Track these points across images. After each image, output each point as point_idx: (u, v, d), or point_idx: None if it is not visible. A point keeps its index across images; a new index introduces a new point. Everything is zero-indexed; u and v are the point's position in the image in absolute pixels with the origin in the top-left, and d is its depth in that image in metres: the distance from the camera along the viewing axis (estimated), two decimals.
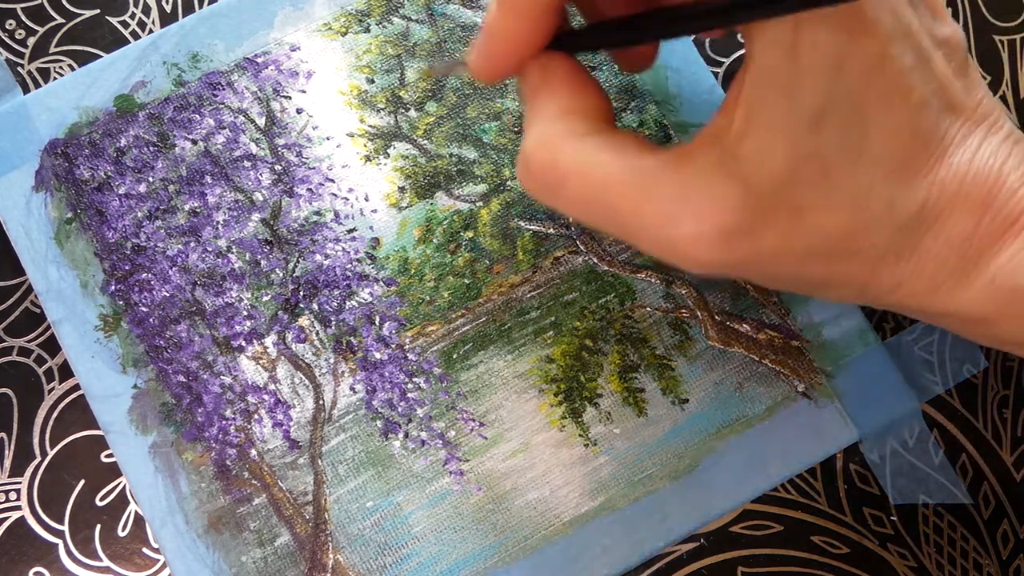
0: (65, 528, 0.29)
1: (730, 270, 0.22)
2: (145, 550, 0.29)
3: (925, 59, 0.20)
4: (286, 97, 0.31)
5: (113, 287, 0.30)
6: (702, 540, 0.30)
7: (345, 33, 0.32)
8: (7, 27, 0.32)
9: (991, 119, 0.21)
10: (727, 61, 0.33)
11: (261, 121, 0.31)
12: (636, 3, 0.24)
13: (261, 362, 0.29)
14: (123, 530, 0.29)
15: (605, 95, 0.23)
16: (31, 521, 0.29)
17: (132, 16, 0.33)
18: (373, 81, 0.31)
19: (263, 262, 0.30)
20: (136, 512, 0.29)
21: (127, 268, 0.30)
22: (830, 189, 0.20)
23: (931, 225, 0.21)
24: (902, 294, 0.22)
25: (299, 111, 0.31)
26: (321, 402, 0.29)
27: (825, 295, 0.23)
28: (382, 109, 0.31)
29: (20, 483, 0.29)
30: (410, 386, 0.29)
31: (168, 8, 0.33)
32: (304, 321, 0.30)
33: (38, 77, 0.32)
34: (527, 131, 0.23)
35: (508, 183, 0.31)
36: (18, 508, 0.29)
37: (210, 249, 0.30)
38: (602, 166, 0.21)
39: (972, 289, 0.21)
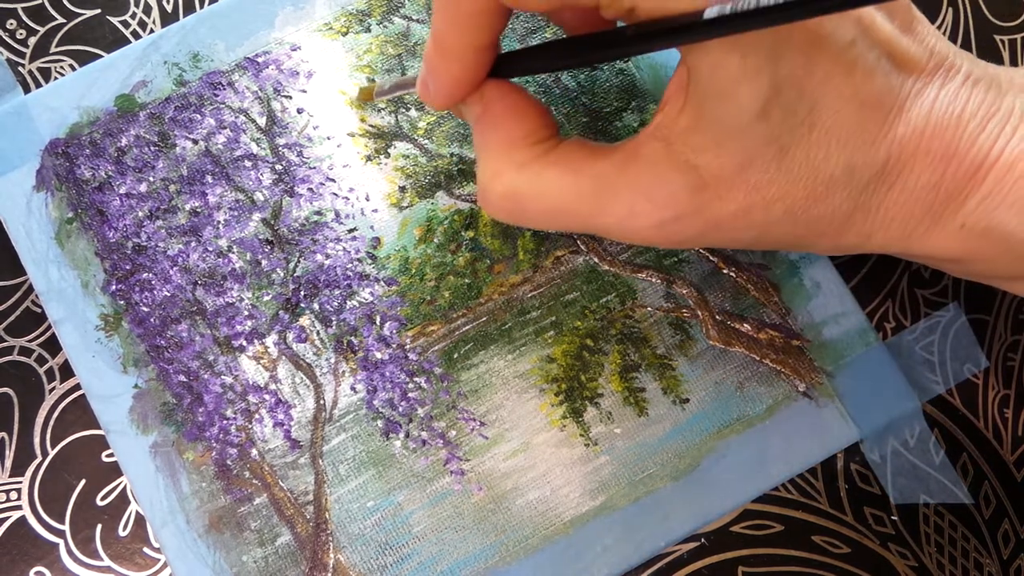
0: (66, 528, 0.29)
1: (699, 243, 0.23)
2: (146, 550, 0.29)
3: (865, 26, 0.20)
4: (287, 97, 0.31)
5: (114, 287, 0.30)
6: (703, 540, 0.30)
7: (346, 33, 0.32)
8: (8, 27, 0.32)
9: (946, 66, 0.21)
10: None
11: (262, 121, 0.31)
12: (597, 24, 0.25)
13: (262, 362, 0.29)
14: (124, 530, 0.29)
15: (545, 110, 0.24)
16: (32, 521, 0.29)
17: (133, 16, 0.33)
18: (374, 81, 0.31)
19: (264, 262, 0.30)
20: (137, 512, 0.29)
21: (128, 268, 0.30)
22: (786, 165, 0.21)
23: (894, 181, 0.21)
24: (875, 243, 0.23)
25: (300, 111, 0.31)
26: (322, 402, 0.29)
27: (800, 250, 0.24)
28: (383, 109, 0.31)
29: (21, 483, 0.29)
30: (411, 386, 0.29)
31: (169, 8, 0.33)
32: (305, 321, 0.30)
33: (39, 77, 0.32)
34: (479, 162, 0.24)
35: None
36: (19, 508, 0.29)
37: (211, 249, 0.30)
38: (557, 184, 0.23)
39: (943, 234, 0.22)
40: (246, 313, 0.30)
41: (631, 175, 0.22)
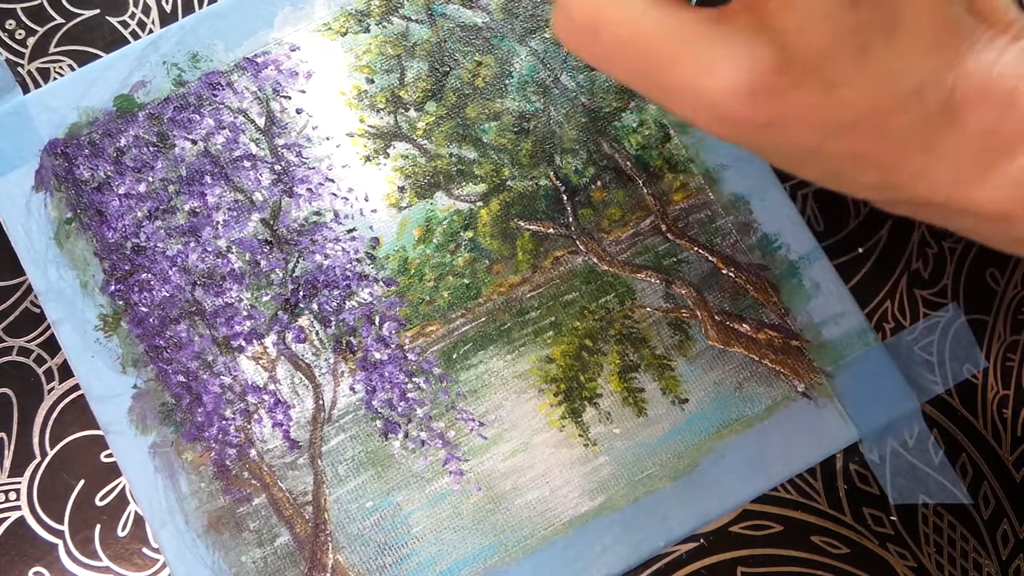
0: (65, 528, 0.29)
1: (754, 133, 0.22)
2: (145, 550, 0.29)
3: None
4: (286, 97, 0.31)
5: (113, 287, 0.30)
6: (702, 540, 0.30)
7: (345, 33, 0.32)
8: (7, 27, 0.32)
9: (1016, 28, 0.22)
10: None
11: (261, 121, 0.31)
12: None
13: (261, 362, 0.29)
14: (123, 530, 0.29)
15: None
16: (31, 521, 0.29)
17: (132, 16, 0.33)
18: (373, 81, 0.31)
19: (263, 262, 0.30)
20: (136, 512, 0.29)
21: (127, 268, 0.30)
22: (864, 65, 0.21)
23: (954, 118, 0.21)
24: (924, 185, 0.22)
25: (299, 111, 0.31)
26: (321, 402, 0.29)
27: (849, 181, 0.23)
28: (382, 109, 0.31)
29: (20, 483, 0.29)
30: (410, 386, 0.29)
31: (168, 8, 0.33)
32: (304, 321, 0.30)
33: (38, 77, 0.32)
34: None
35: (508, 183, 0.31)
36: (18, 508, 0.29)
37: (210, 249, 0.30)
38: (641, 13, 0.22)
39: (995, 184, 0.22)
40: (245, 313, 0.30)
41: (722, 32, 0.21)
